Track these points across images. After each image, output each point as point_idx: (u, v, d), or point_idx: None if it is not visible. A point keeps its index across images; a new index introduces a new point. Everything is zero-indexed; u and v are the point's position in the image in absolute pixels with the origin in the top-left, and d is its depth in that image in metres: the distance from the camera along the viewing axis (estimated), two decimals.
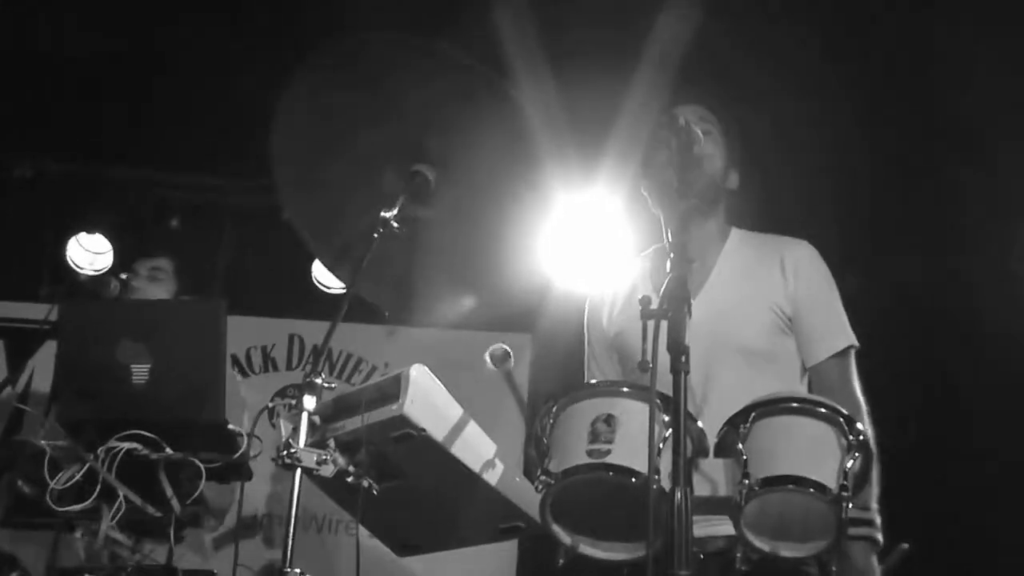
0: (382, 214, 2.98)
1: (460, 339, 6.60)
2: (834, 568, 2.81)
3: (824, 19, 5.57)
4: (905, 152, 6.10)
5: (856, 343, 3.56)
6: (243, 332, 6.69)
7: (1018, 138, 5.60)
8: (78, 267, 6.38)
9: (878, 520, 3.42)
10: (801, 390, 3.51)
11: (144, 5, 6.04)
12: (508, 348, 3.32)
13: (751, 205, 3.76)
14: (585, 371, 3.78)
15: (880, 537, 3.42)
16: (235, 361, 6.83)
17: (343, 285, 6.64)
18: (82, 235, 6.50)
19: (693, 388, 3.38)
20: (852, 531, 3.28)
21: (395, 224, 2.98)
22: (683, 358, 2.57)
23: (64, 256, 6.53)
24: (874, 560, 3.41)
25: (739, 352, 3.44)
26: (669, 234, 2.97)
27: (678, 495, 2.45)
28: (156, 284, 4.75)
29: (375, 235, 2.96)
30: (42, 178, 6.86)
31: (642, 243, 3.90)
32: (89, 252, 6.45)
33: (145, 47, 6.18)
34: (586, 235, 5.01)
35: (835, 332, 3.55)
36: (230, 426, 3.78)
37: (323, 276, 6.70)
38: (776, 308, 3.51)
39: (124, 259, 5.03)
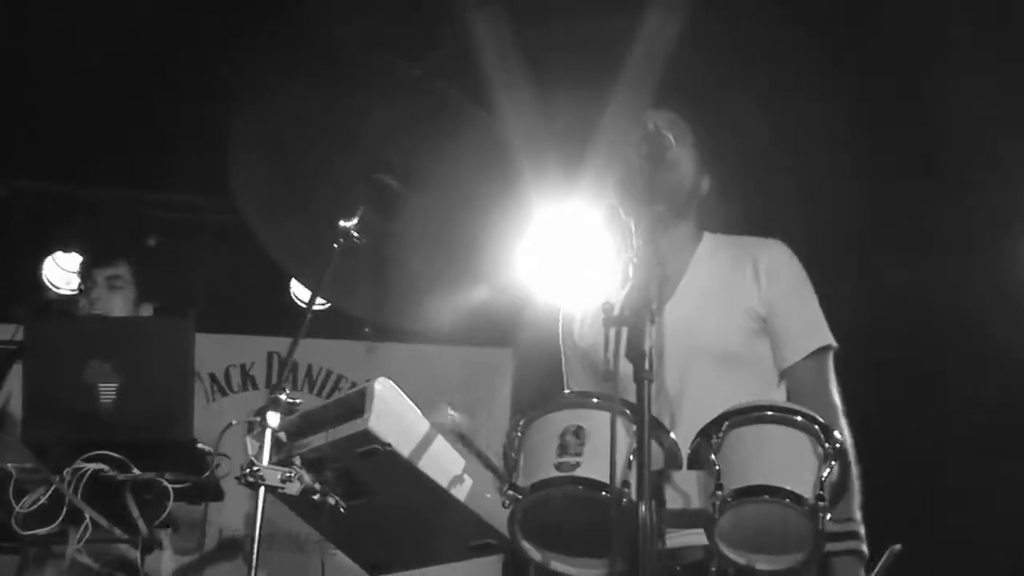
0: (341, 224, 2.91)
1: (441, 354, 6.59)
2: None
3: (822, 15, 5.54)
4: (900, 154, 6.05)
5: (833, 343, 3.48)
6: (222, 350, 6.65)
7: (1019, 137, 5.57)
8: (54, 286, 6.32)
9: (862, 530, 3.33)
10: (777, 396, 3.43)
11: (121, 22, 5.99)
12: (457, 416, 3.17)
13: (727, 209, 3.70)
14: (564, 386, 3.71)
15: (865, 549, 3.32)
16: (214, 379, 6.78)
17: (320, 301, 6.63)
18: (58, 254, 6.43)
19: (669, 396, 3.33)
20: (835, 546, 3.26)
21: (355, 234, 2.92)
22: (646, 366, 2.50)
23: (40, 276, 6.47)
24: (861, 573, 3.31)
25: (714, 357, 3.37)
26: (635, 241, 2.91)
27: (643, 508, 2.38)
28: (115, 292, 4.64)
29: (335, 246, 2.90)
30: (17, 197, 6.79)
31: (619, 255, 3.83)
32: (65, 271, 6.39)
33: (122, 65, 6.13)
34: (565, 247, 4.97)
35: (809, 332, 3.47)
36: (199, 445, 3.70)
37: (302, 293, 6.64)
38: (750, 311, 3.43)
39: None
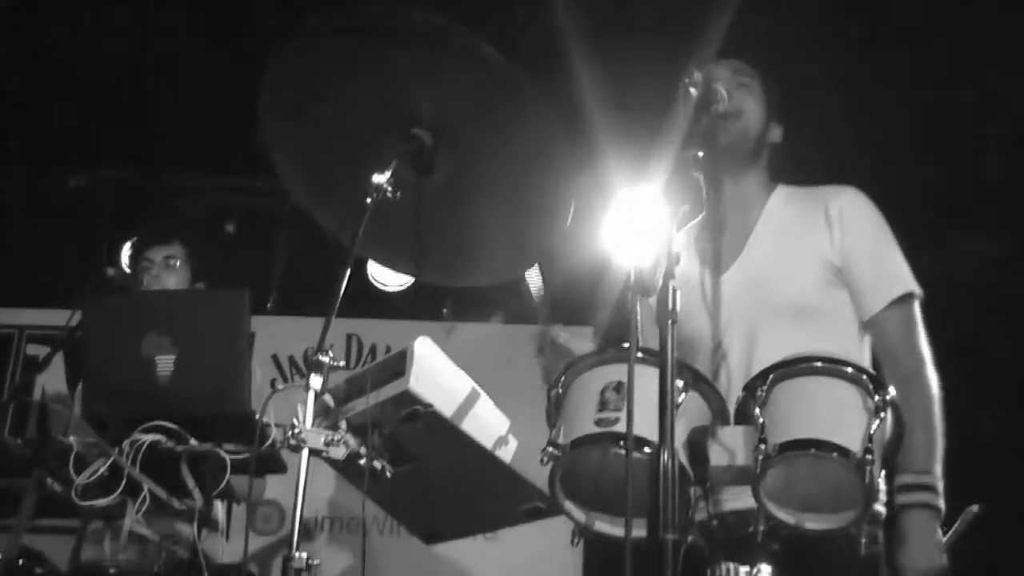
0: (374, 179, 2.87)
1: (519, 333, 6.52)
2: (865, 540, 2.63)
3: None
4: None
5: (917, 290, 3.28)
6: (300, 333, 6.65)
7: None
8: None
9: (940, 485, 3.10)
10: (859, 350, 3.26)
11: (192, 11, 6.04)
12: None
13: (801, 161, 3.59)
14: None
15: (941, 504, 3.09)
16: (292, 362, 6.80)
17: (397, 280, 6.63)
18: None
19: (738, 353, 3.24)
20: (907, 498, 3.08)
21: (389, 189, 2.87)
22: (670, 306, 2.43)
23: (120, 264, 6.52)
24: (936, 529, 3.08)
25: (786, 310, 3.23)
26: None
27: (665, 456, 2.30)
28: (170, 272, 4.67)
29: (368, 201, 2.85)
30: (96, 187, 6.87)
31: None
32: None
33: (197, 52, 6.18)
34: (634, 218, 4.88)
35: (890, 279, 3.28)
36: (257, 416, 3.69)
37: (379, 274, 6.63)
38: (825, 261, 3.27)
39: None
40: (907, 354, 3.22)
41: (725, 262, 3.40)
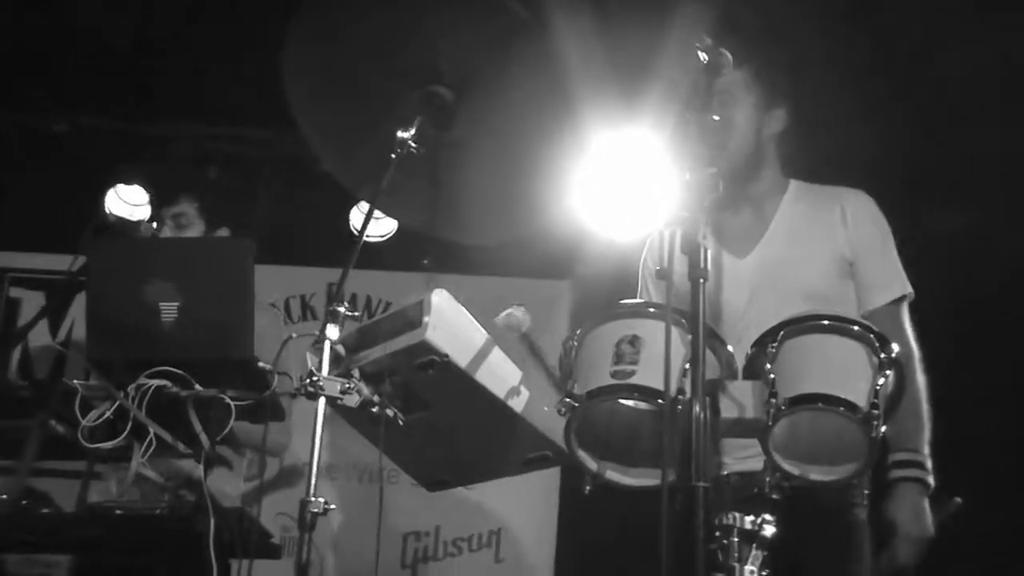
0: (399, 134, 2.93)
1: (499, 285, 6.60)
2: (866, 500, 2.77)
3: None
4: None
5: (911, 292, 3.62)
6: (282, 281, 6.70)
7: None
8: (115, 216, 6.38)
9: (928, 464, 3.48)
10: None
11: None
12: (520, 314, 3.16)
13: (808, 155, 3.76)
14: None
15: (931, 480, 3.47)
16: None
17: (379, 232, 6.66)
18: (120, 186, 6.48)
19: (759, 326, 3.31)
20: (900, 472, 3.46)
21: (413, 145, 2.93)
22: (701, 264, 2.52)
23: (102, 208, 6.54)
24: (925, 502, 3.45)
25: (803, 296, 3.42)
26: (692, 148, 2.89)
27: (696, 407, 2.39)
28: (183, 231, 4.72)
29: (392, 156, 2.91)
30: (79, 132, 6.85)
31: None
32: (127, 204, 6.43)
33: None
34: (626, 175, 4.92)
35: (892, 279, 3.61)
36: (260, 363, 3.75)
37: (360, 224, 6.65)
38: (837, 253, 3.56)
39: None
40: (900, 345, 3.36)
41: (745, 248, 3.62)
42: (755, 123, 3.65)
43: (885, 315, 3.53)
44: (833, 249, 3.57)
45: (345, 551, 6.17)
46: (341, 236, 6.60)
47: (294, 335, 3.17)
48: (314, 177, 6.40)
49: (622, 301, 2.88)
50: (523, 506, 6.35)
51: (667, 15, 4.97)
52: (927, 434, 3.49)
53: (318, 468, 2.89)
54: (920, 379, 3.52)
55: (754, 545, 2.62)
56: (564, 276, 6.84)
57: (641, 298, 3.78)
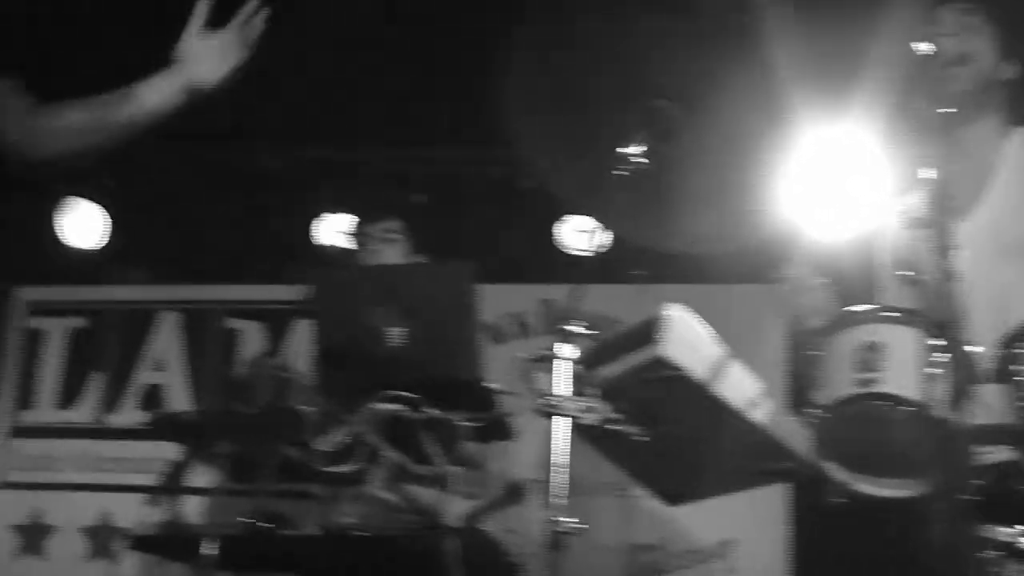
0: (623, 150, 2.91)
1: (711, 293, 6.52)
2: None
3: None
4: None
5: None
6: (495, 300, 6.72)
7: None
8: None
9: None
10: None
11: None
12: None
13: None
14: None
15: None
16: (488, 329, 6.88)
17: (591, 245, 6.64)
18: (329, 216, 6.63)
19: (983, 297, 3.04)
20: None
21: (638, 161, 2.91)
22: (949, 262, 2.43)
23: (314, 237, 6.70)
24: None
25: None
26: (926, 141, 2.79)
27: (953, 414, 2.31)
28: (390, 245, 4.75)
29: (617, 173, 2.89)
30: (287, 165, 7.02)
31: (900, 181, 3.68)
32: (336, 232, 6.57)
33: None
34: (838, 175, 4.81)
35: None
36: (487, 384, 3.77)
37: (568, 239, 6.66)
38: None
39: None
40: None
41: (963, 207, 3.23)
42: (992, 62, 3.32)
43: None
44: None
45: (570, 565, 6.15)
46: (549, 252, 6.62)
47: (523, 354, 3.16)
48: (519, 196, 6.45)
49: (857, 308, 2.77)
50: (749, 518, 6.25)
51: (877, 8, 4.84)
52: None
53: (550, 486, 2.88)
54: None
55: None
56: (770, 280, 6.71)
57: (878, 301, 3.60)
